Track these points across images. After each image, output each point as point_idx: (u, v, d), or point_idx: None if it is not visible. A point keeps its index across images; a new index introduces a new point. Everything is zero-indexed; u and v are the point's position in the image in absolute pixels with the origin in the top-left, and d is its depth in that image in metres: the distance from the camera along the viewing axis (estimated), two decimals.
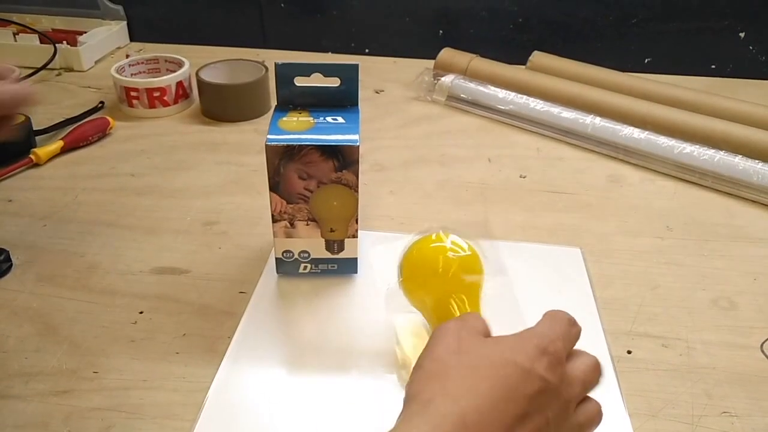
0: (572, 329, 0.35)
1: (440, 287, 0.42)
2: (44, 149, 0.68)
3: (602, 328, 0.48)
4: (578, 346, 0.35)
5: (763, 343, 0.47)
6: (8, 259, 0.53)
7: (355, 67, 0.48)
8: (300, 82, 0.49)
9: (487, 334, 0.35)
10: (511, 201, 0.64)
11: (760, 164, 0.65)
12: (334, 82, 0.49)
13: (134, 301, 0.50)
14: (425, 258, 0.43)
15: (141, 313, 0.49)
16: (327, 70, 0.48)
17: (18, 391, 0.42)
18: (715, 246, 0.58)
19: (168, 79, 0.78)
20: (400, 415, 0.30)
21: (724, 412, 0.42)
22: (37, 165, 0.68)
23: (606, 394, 0.42)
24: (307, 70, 0.48)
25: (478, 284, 0.42)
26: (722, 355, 0.46)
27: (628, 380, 0.44)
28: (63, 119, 0.74)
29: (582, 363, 0.34)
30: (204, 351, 0.45)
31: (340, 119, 0.48)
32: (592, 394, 0.35)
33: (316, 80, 0.49)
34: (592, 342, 0.46)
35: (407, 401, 0.31)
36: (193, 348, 0.46)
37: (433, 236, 0.44)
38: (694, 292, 0.52)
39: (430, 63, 0.88)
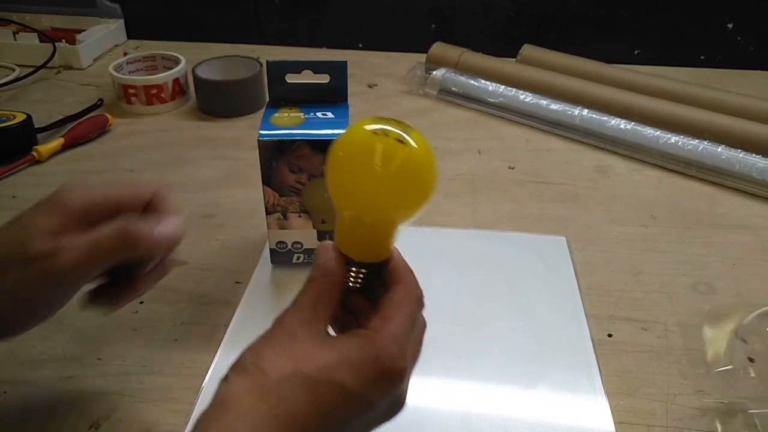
0: (420, 318, 0.33)
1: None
2: (46, 146, 0.70)
3: (585, 312, 0.50)
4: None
5: (738, 326, 0.49)
6: None
7: (344, 64, 0.50)
8: (291, 78, 0.51)
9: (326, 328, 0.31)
10: (499, 191, 0.65)
11: (742, 153, 0.66)
12: (324, 79, 0.51)
13: None
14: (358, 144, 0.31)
15: (141, 303, 0.50)
16: (317, 67, 0.50)
17: (27, 377, 0.44)
18: (697, 233, 0.60)
19: (165, 77, 0.79)
20: (216, 404, 0.29)
21: (699, 391, 0.44)
22: (39, 162, 0.69)
23: (585, 374, 0.45)
24: (297, 67, 0.50)
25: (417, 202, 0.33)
26: (699, 337, 0.48)
27: (607, 362, 0.46)
28: (63, 117, 0.76)
29: (415, 352, 0.32)
30: (202, 338, 0.47)
31: (330, 114, 0.50)
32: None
33: (307, 77, 0.50)
34: (574, 326, 0.48)
35: (224, 396, 0.30)
36: (192, 335, 0.48)
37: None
38: (674, 278, 0.54)
39: (423, 57, 0.89)
